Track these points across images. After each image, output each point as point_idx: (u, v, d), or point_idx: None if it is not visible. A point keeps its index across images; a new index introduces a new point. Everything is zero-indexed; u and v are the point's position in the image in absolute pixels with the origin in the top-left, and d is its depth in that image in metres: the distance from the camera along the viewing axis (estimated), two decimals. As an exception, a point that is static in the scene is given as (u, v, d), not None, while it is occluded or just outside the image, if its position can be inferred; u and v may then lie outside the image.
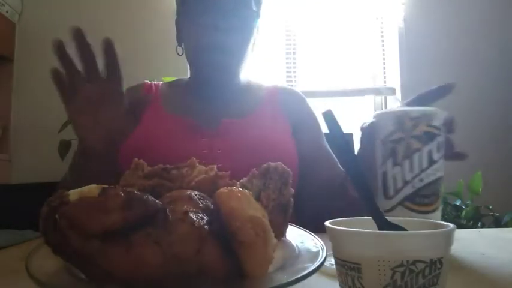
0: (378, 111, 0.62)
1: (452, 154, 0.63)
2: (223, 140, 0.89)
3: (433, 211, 0.59)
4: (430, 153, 0.58)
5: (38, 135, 2.37)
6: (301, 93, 1.10)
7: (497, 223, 1.88)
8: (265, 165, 0.52)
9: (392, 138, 0.59)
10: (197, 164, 0.50)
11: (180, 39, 1.01)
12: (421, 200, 0.58)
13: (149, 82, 1.06)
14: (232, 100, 0.99)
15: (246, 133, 0.91)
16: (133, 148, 0.85)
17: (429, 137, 0.58)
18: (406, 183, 0.58)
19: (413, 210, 0.58)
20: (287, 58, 2.73)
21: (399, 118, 0.58)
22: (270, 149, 0.88)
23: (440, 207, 0.60)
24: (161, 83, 1.08)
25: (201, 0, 0.90)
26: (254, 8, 0.95)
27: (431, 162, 0.58)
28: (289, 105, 1.03)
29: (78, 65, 0.73)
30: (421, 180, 0.58)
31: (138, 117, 0.96)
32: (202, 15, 0.90)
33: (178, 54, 1.00)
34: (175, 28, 1.03)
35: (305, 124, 1.02)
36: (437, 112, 0.58)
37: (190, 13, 0.92)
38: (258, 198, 0.47)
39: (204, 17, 0.89)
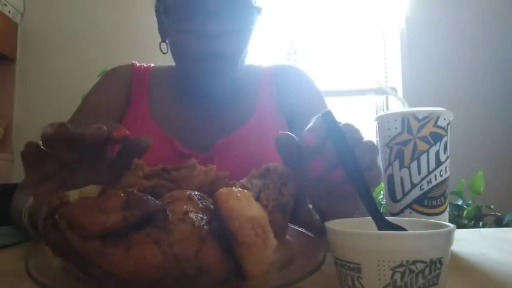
0: (380, 114, 0.61)
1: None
2: (218, 165, 0.80)
3: (442, 213, 0.58)
4: (437, 154, 0.57)
5: (39, 135, 2.37)
6: (302, 72, 0.97)
7: (499, 223, 1.88)
8: (264, 165, 0.52)
9: (399, 140, 0.58)
10: (197, 165, 0.50)
11: (163, 35, 0.87)
12: (429, 202, 0.57)
13: (138, 64, 0.95)
14: (227, 108, 0.89)
15: (241, 149, 0.82)
16: None
17: (436, 137, 0.57)
18: (413, 185, 0.58)
19: (421, 213, 0.57)
20: (288, 58, 2.73)
21: (405, 119, 0.58)
22: (268, 159, 0.79)
23: (448, 209, 0.60)
24: (152, 66, 0.97)
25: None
26: (254, 3, 0.78)
27: (439, 163, 0.57)
28: (284, 89, 0.92)
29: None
30: (429, 182, 0.57)
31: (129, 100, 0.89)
32: (188, 18, 0.75)
33: (162, 52, 0.85)
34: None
35: (302, 111, 0.88)
36: (443, 112, 0.58)
37: (173, 14, 0.77)
38: (257, 199, 0.47)
39: (191, 21, 0.75)
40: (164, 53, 0.86)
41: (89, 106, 0.91)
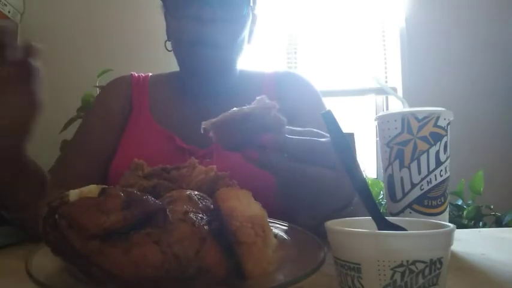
0: (380, 113, 0.61)
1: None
2: (216, 160, 0.83)
3: (442, 213, 0.58)
4: (437, 154, 0.57)
5: (39, 134, 2.37)
6: (302, 78, 1.01)
7: (499, 223, 1.88)
8: None
9: (399, 140, 0.58)
10: (197, 165, 0.50)
11: (168, 34, 0.93)
12: (429, 202, 0.57)
13: (136, 74, 1.00)
14: (226, 103, 0.93)
15: None
16: (122, 164, 0.81)
17: (436, 137, 0.57)
18: (413, 185, 0.58)
19: (421, 213, 0.57)
20: (288, 58, 2.73)
21: (405, 119, 0.58)
22: None
23: (448, 209, 0.60)
24: (150, 74, 1.02)
25: None
26: None
27: (439, 163, 0.57)
28: (285, 95, 0.94)
29: None
30: (429, 182, 0.57)
31: (127, 116, 0.93)
32: (184, 6, 0.82)
33: (167, 49, 0.92)
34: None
35: (302, 115, 0.90)
36: (443, 112, 0.58)
37: (172, 4, 0.85)
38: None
39: (187, 8, 0.82)
40: (169, 51, 0.91)
41: (93, 117, 0.98)
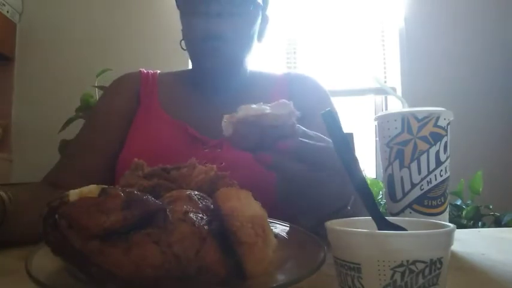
0: (380, 113, 0.61)
1: None
2: (226, 151, 0.84)
3: (442, 213, 0.58)
4: (437, 154, 0.57)
5: (38, 134, 2.37)
6: (314, 80, 1.03)
7: (498, 223, 1.88)
8: None
9: (399, 140, 0.58)
10: (197, 164, 0.50)
11: (183, 33, 0.96)
12: (429, 202, 0.57)
13: (145, 71, 1.02)
14: (237, 100, 0.94)
15: None
16: (132, 155, 0.82)
17: (436, 137, 0.57)
18: (413, 185, 0.58)
19: (421, 213, 0.57)
20: (288, 58, 2.73)
21: (405, 119, 0.58)
22: None
23: (448, 209, 0.60)
24: (158, 72, 1.04)
25: None
26: None
27: (439, 163, 0.57)
28: (297, 96, 0.93)
29: None
30: (429, 182, 0.57)
31: (135, 110, 0.94)
32: (193, 2, 0.86)
33: (182, 48, 0.95)
34: (173, 23, 0.99)
35: (313, 118, 0.92)
36: (443, 112, 0.58)
37: (181, 2, 0.89)
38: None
39: (195, 5, 0.85)
40: (184, 49, 0.94)
41: (100, 112, 0.99)
